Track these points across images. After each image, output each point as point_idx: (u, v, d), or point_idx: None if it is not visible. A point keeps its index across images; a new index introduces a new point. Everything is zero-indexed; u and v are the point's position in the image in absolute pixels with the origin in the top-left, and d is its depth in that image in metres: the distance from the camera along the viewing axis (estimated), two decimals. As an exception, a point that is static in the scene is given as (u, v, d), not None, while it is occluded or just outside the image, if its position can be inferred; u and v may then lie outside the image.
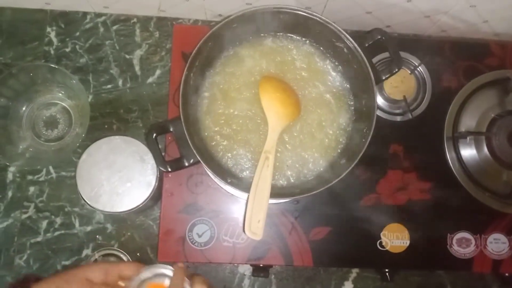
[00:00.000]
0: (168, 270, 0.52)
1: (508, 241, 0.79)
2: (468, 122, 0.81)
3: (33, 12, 0.89)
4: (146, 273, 0.51)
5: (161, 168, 0.64)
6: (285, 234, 0.77)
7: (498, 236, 0.79)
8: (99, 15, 0.90)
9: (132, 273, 0.51)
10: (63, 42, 0.88)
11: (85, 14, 0.89)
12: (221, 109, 0.69)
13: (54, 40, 0.88)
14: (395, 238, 0.77)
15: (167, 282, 0.51)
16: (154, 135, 0.64)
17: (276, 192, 0.64)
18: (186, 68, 0.63)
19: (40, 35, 0.88)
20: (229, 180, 0.63)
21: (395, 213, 0.78)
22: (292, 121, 0.68)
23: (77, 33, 0.89)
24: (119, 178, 0.73)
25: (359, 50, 0.65)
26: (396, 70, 0.68)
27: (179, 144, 0.64)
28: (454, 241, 0.78)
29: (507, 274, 0.80)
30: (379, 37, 0.68)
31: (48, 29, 0.88)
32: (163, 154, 0.75)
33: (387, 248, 0.77)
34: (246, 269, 0.86)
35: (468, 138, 0.80)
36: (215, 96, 0.70)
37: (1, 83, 0.79)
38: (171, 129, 0.65)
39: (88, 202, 0.72)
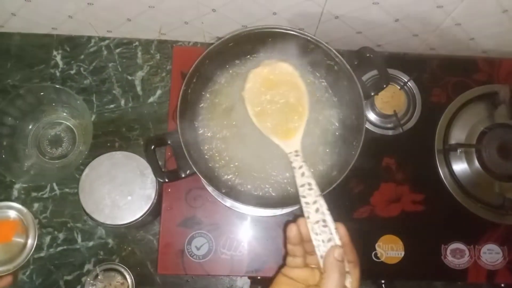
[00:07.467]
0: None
1: (501, 251, 0.80)
2: (458, 135, 0.83)
3: (40, 37, 0.93)
4: None
5: (158, 178, 0.67)
6: (282, 246, 0.78)
7: (491, 246, 0.80)
8: (102, 39, 0.94)
9: None
10: (68, 64, 0.93)
11: (89, 38, 0.94)
12: (216, 124, 0.72)
13: (60, 63, 0.93)
14: (389, 249, 0.78)
15: (12, 214, 0.53)
16: (153, 146, 0.67)
17: (268, 203, 0.66)
18: (184, 84, 0.66)
19: (46, 58, 0.93)
20: (223, 191, 0.65)
21: (389, 225, 0.80)
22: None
23: (82, 56, 0.93)
24: (120, 192, 0.75)
25: (348, 67, 0.69)
26: (384, 86, 0.71)
27: (176, 155, 0.67)
28: (448, 252, 0.79)
29: (503, 285, 0.81)
30: (367, 55, 0.72)
31: (55, 53, 0.93)
32: (163, 169, 0.77)
33: (382, 259, 0.78)
34: (245, 283, 0.87)
35: (458, 150, 0.82)
36: (212, 111, 0.73)
37: (9, 103, 0.83)
38: (169, 142, 0.67)
39: (91, 215, 0.75)
